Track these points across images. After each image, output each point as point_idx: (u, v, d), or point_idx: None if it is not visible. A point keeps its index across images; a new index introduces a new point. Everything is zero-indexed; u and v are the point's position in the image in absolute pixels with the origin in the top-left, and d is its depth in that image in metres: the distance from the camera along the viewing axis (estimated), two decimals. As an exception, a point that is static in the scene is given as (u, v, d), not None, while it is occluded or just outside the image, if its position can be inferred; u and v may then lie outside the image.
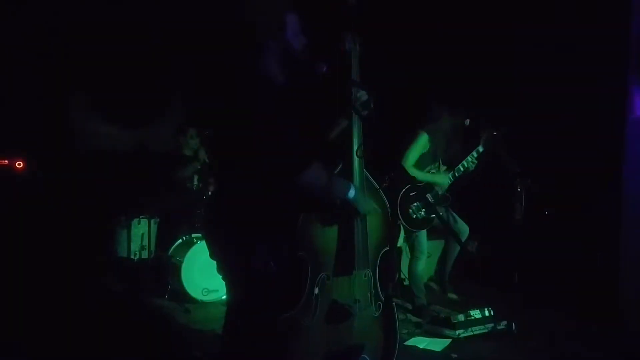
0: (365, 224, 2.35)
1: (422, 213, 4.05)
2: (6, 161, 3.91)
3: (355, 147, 2.33)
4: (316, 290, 2.24)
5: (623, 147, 4.12)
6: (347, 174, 2.32)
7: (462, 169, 4.18)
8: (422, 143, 4.12)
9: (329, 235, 2.28)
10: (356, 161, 2.34)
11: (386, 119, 2.22)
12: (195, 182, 4.88)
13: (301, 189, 2.07)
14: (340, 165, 2.35)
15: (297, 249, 2.20)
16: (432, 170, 4.22)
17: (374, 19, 3.15)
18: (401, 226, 4.00)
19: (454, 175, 4.18)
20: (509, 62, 5.02)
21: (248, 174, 2.07)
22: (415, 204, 4.04)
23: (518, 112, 4.83)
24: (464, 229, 4.39)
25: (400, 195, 3.90)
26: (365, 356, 2.36)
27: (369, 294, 2.38)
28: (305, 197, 2.14)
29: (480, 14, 5.07)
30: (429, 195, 4.12)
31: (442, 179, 4.16)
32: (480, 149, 4.15)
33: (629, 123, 4.10)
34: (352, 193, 2.21)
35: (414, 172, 4.05)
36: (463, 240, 4.39)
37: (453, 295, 4.67)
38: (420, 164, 4.15)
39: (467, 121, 4.16)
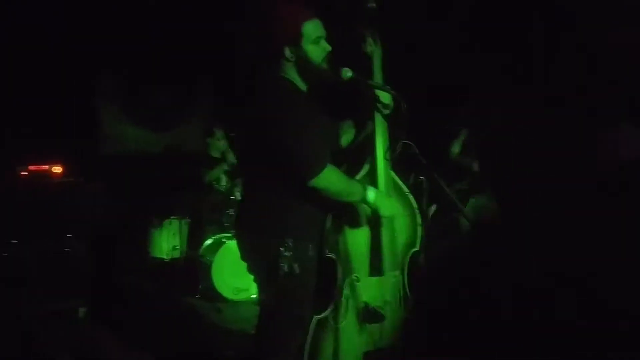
0: (392, 225, 2.33)
1: None
2: (46, 166, 4.04)
3: (382, 151, 2.31)
4: (346, 292, 2.26)
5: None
6: (373, 178, 2.31)
7: None
8: None
9: (357, 238, 2.29)
10: (382, 164, 2.31)
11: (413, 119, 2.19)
12: (224, 183, 4.95)
13: (318, 193, 2.08)
14: (367, 169, 2.33)
15: (326, 251, 2.22)
16: None
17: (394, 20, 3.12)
18: None
19: None
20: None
21: (270, 178, 2.11)
22: None
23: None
24: None
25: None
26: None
27: (398, 296, 2.39)
28: (328, 201, 2.15)
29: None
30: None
31: None
32: None
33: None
34: (371, 196, 2.18)
35: None
36: None
37: None
38: None
39: None
